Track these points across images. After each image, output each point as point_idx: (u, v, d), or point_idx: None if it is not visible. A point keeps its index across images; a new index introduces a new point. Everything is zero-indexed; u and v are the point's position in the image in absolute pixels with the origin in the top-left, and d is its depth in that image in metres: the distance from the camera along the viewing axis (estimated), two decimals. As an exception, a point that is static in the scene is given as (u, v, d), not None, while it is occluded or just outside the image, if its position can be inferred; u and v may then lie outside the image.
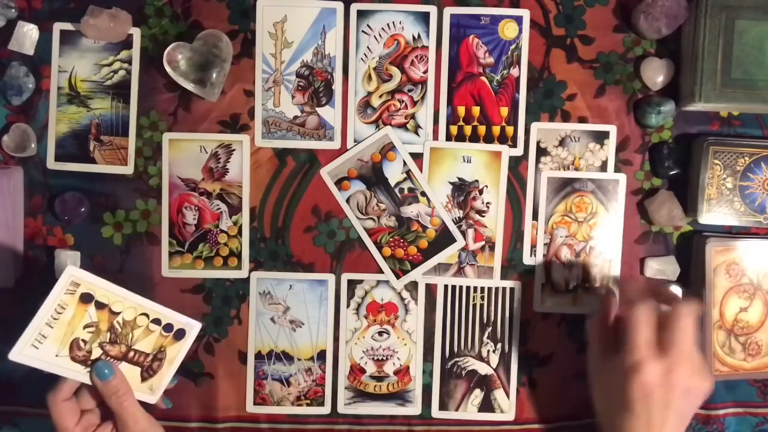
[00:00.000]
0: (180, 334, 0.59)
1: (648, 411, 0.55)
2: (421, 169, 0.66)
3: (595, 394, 0.60)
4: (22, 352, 0.53)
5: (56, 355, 0.54)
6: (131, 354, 0.57)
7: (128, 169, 0.65)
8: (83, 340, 0.55)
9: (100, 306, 0.55)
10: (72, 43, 0.65)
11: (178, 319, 0.59)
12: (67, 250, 0.65)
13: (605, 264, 0.67)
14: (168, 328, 0.58)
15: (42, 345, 0.53)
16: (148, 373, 0.58)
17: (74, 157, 0.65)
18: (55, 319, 0.54)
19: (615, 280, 0.66)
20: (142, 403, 0.57)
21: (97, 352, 0.56)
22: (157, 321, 0.58)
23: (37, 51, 0.65)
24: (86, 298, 0.55)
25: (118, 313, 0.56)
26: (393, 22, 0.66)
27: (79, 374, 0.55)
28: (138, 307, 0.57)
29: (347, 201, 0.66)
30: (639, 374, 0.55)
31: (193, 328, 0.60)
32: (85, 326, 0.55)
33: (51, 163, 0.65)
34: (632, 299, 0.58)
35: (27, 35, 0.64)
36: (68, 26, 0.64)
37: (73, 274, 0.54)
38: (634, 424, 0.55)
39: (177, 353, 0.59)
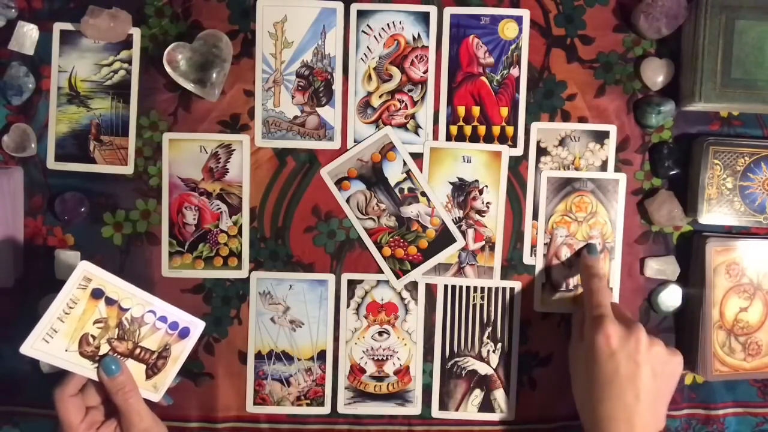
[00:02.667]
0: (185, 333, 0.59)
1: (616, 367, 0.55)
2: (421, 169, 0.66)
3: (573, 380, 0.61)
4: (33, 346, 0.53)
5: (66, 350, 0.55)
6: (138, 351, 0.57)
7: (128, 169, 0.65)
8: (92, 336, 0.55)
9: (110, 302, 0.56)
10: (72, 43, 0.65)
11: (183, 317, 0.59)
12: (67, 250, 0.65)
13: (605, 263, 0.67)
14: (173, 326, 0.59)
15: (52, 339, 0.54)
16: (152, 370, 0.59)
17: (74, 157, 0.65)
18: (66, 313, 0.54)
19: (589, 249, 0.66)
20: (146, 401, 0.58)
21: (105, 348, 0.56)
22: (163, 319, 0.58)
23: (37, 51, 0.65)
24: (97, 294, 0.55)
25: (127, 310, 0.56)
26: (393, 22, 0.66)
27: (87, 370, 0.56)
28: (146, 304, 0.57)
29: (347, 201, 0.66)
30: (601, 328, 0.56)
31: (197, 326, 0.60)
32: (95, 322, 0.55)
33: (51, 163, 0.65)
34: (592, 271, 0.62)
35: (27, 35, 0.64)
36: (68, 26, 0.64)
37: (85, 269, 0.54)
38: (606, 390, 0.55)
39: (181, 352, 0.60)
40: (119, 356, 0.57)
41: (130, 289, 0.56)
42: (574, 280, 0.67)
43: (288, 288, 0.67)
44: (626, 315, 0.60)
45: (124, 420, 0.56)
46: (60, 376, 0.56)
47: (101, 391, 0.57)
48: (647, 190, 0.67)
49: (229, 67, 0.64)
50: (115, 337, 0.56)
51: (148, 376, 0.59)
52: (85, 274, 0.54)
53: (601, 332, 0.56)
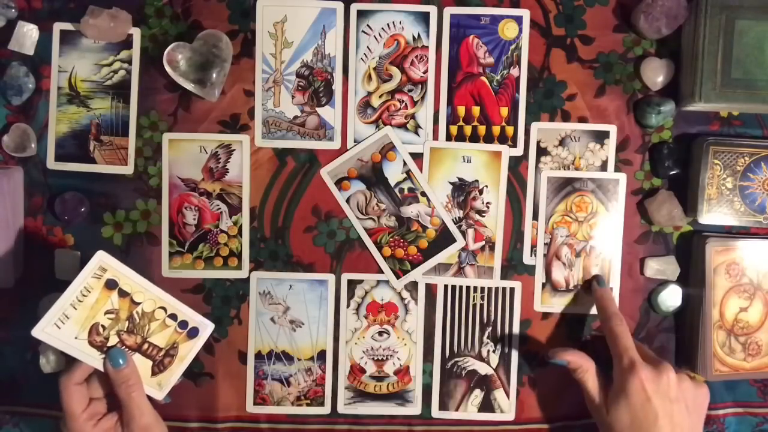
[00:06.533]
0: (193, 333, 0.60)
1: (654, 409, 0.56)
2: (421, 169, 0.66)
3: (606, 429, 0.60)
4: (44, 330, 0.54)
5: (75, 337, 0.55)
6: (145, 346, 0.58)
7: (128, 169, 0.65)
8: (102, 326, 0.56)
9: (122, 294, 0.56)
10: (72, 43, 0.65)
11: (194, 317, 0.59)
12: (67, 250, 0.65)
13: (605, 264, 0.67)
14: (183, 324, 0.59)
15: (64, 325, 0.55)
16: (159, 368, 0.59)
17: (74, 157, 0.65)
18: (79, 301, 0.55)
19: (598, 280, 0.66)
20: (148, 398, 0.58)
21: (113, 340, 0.57)
22: (173, 316, 0.59)
23: (37, 51, 0.65)
24: (111, 285, 0.56)
25: (139, 304, 0.57)
26: (393, 22, 0.66)
27: (94, 359, 0.56)
28: (158, 300, 0.58)
29: (347, 201, 0.66)
30: (635, 374, 0.57)
31: (207, 327, 0.60)
32: (106, 312, 0.56)
33: (51, 163, 0.65)
34: (610, 310, 0.62)
35: (27, 35, 0.64)
36: (68, 26, 0.64)
37: (102, 259, 0.55)
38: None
39: (188, 351, 0.60)
40: (127, 349, 0.57)
41: (143, 283, 0.57)
42: (574, 280, 0.67)
43: (288, 288, 0.67)
44: (650, 354, 0.61)
45: (126, 413, 0.56)
46: (72, 362, 0.56)
47: (106, 384, 0.57)
48: (647, 190, 0.67)
49: (229, 67, 0.64)
50: (125, 329, 0.57)
51: (154, 373, 0.59)
52: (101, 264, 0.55)
53: (635, 378, 0.57)
